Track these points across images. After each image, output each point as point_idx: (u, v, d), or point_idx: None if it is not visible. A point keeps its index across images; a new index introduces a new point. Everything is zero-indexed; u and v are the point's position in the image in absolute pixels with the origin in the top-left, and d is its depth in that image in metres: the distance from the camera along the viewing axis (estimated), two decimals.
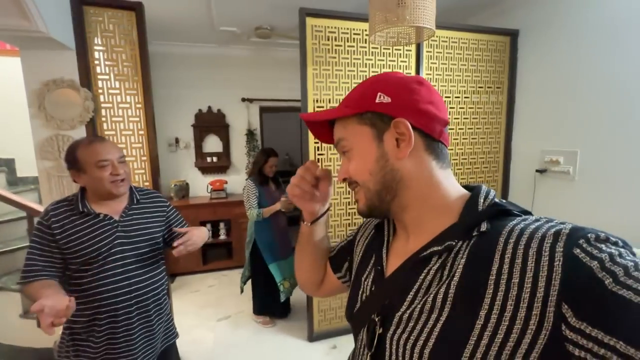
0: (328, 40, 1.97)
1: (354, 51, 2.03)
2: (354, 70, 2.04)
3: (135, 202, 1.15)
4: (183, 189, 3.50)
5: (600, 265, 0.32)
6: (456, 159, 2.35)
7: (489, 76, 2.35)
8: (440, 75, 2.22)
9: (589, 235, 0.34)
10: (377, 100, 0.47)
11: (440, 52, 2.20)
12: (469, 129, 2.35)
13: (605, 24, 1.81)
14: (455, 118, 2.30)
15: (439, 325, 0.39)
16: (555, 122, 2.13)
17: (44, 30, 1.50)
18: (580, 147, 1.99)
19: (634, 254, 0.34)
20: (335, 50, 1.99)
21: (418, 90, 0.47)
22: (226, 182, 3.63)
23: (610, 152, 1.82)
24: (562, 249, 0.34)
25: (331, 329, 2.27)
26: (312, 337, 2.22)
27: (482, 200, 0.44)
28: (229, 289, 3.04)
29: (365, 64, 2.06)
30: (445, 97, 2.24)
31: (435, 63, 2.20)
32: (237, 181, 3.77)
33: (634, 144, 1.70)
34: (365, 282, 0.53)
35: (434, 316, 0.39)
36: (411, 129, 0.45)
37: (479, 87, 2.34)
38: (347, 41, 2.01)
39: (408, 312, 0.42)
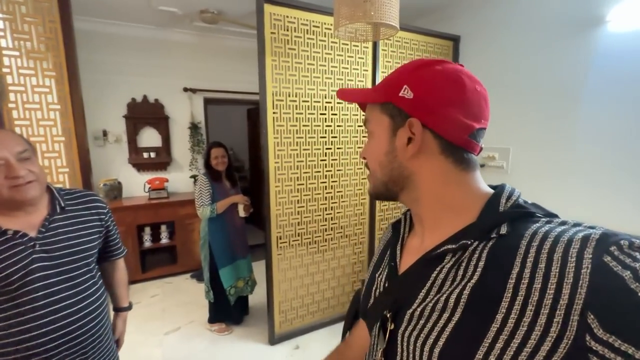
0: (287, 30, 1.88)
1: (313, 44, 1.97)
2: (313, 64, 1.99)
3: (59, 210, 0.90)
4: (115, 189, 3.07)
5: (633, 276, 0.30)
6: None
7: None
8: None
9: (622, 242, 0.32)
10: (400, 94, 0.44)
11: (395, 51, 2.28)
12: None
13: (534, 30, 2.06)
14: None
15: (450, 325, 0.38)
16: (491, 121, 2.35)
17: None
18: (512, 144, 2.24)
19: None
20: (295, 42, 1.91)
21: (448, 89, 0.43)
22: (167, 181, 3.29)
23: (538, 148, 2.09)
24: (590, 256, 0.32)
25: (293, 329, 2.22)
26: (274, 339, 2.14)
27: (504, 201, 0.42)
28: (175, 298, 2.76)
29: (325, 57, 2.02)
30: None
31: (390, 62, 2.26)
32: (180, 179, 3.45)
33: (559, 140, 1.97)
34: (379, 279, 0.53)
35: (446, 315, 0.39)
36: (421, 132, 0.43)
37: None
38: (307, 33, 1.94)
39: (419, 309, 0.42)
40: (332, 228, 2.25)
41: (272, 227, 2.02)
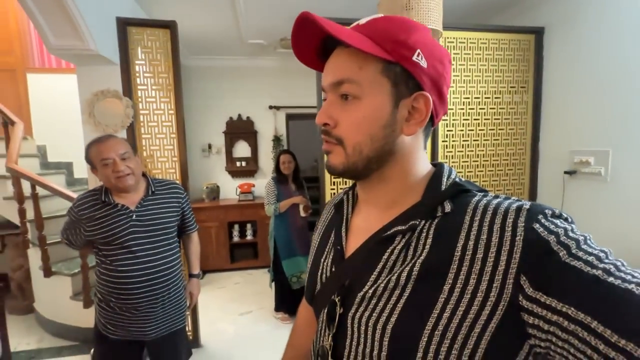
0: None
1: None
2: None
3: (150, 193, 1.26)
4: (214, 191, 3.74)
5: (556, 239, 0.33)
6: (477, 161, 2.29)
7: (512, 76, 2.29)
8: (459, 76, 2.20)
9: (547, 211, 0.36)
10: (414, 58, 0.39)
11: (458, 53, 2.20)
12: (490, 129, 2.29)
13: (635, 15, 1.71)
14: (475, 119, 2.26)
15: (402, 301, 0.38)
16: (584, 121, 2.02)
17: (93, 49, 1.76)
18: (613, 147, 1.86)
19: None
20: None
21: (448, 70, 0.43)
22: (254, 185, 3.82)
23: None
24: (523, 224, 0.35)
25: None
26: None
27: (445, 179, 0.44)
28: (253, 287, 3.17)
29: None
30: (464, 98, 2.21)
31: (453, 64, 2.19)
32: (264, 185, 3.94)
33: None
34: (325, 263, 0.51)
35: (397, 292, 0.39)
36: (430, 110, 0.41)
37: (502, 87, 2.28)
38: None
39: (371, 291, 0.41)
40: None
41: None
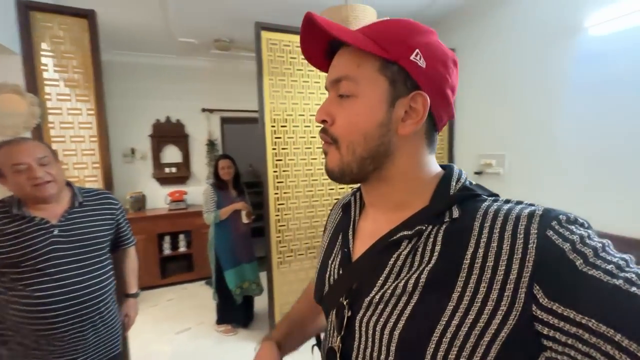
0: (283, 52, 2.10)
1: (307, 63, 2.16)
2: (308, 81, 2.18)
3: (77, 205, 1.11)
4: (139, 201, 3.38)
5: (571, 247, 0.32)
6: None
7: None
8: None
9: (561, 217, 0.34)
10: (412, 57, 0.39)
11: None
12: None
13: (522, 38, 2.13)
14: None
15: (409, 307, 0.38)
16: (488, 129, 2.42)
17: None
18: (507, 151, 2.27)
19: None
20: (290, 62, 2.12)
21: (451, 71, 0.42)
22: (186, 193, 3.57)
23: (530, 152, 2.11)
24: (536, 231, 0.34)
25: None
26: None
27: (454, 184, 0.43)
28: (189, 302, 2.95)
29: (319, 75, 2.21)
30: None
31: None
32: (198, 192, 3.72)
33: (554, 145, 1.99)
34: (333, 265, 0.51)
35: (404, 299, 0.38)
36: (427, 110, 0.41)
37: None
38: (301, 54, 2.14)
39: (378, 295, 0.41)
40: None
41: (272, 232, 2.17)
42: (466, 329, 0.34)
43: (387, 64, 0.40)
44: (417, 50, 0.39)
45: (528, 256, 0.33)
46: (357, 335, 0.43)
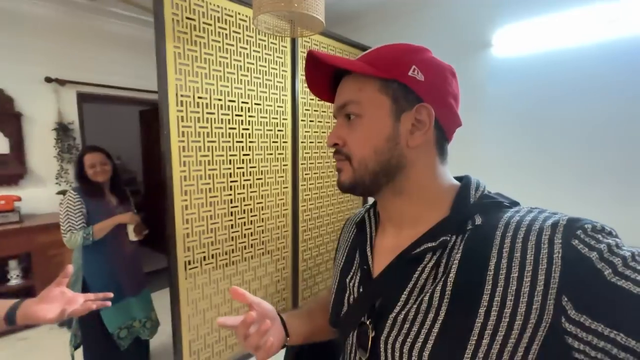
0: (193, 14, 1.58)
1: (226, 34, 1.72)
2: (227, 57, 1.73)
3: None
4: None
5: (599, 256, 0.31)
6: (313, 163, 2.41)
7: None
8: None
9: (586, 225, 0.34)
10: (409, 73, 0.42)
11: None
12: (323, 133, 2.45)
13: (439, 47, 2.27)
14: (319, 122, 2.34)
15: (437, 326, 0.37)
16: None
17: None
18: None
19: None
20: (204, 29, 1.63)
21: (451, 81, 0.44)
22: (18, 199, 2.45)
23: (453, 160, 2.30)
24: (561, 241, 0.33)
25: None
26: None
27: (473, 192, 0.43)
28: (31, 357, 2.01)
29: (240, 52, 1.79)
30: (310, 99, 2.24)
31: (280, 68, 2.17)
32: (41, 196, 2.62)
33: (477, 155, 2.20)
34: (351, 284, 0.50)
35: (431, 316, 0.38)
36: (433, 120, 0.42)
37: None
38: (218, 21, 1.68)
39: (403, 313, 0.40)
40: (252, 245, 1.98)
41: (178, 252, 1.64)
42: (498, 346, 0.34)
43: (387, 83, 0.42)
44: (413, 66, 0.42)
45: (554, 267, 0.32)
46: (382, 357, 0.42)
